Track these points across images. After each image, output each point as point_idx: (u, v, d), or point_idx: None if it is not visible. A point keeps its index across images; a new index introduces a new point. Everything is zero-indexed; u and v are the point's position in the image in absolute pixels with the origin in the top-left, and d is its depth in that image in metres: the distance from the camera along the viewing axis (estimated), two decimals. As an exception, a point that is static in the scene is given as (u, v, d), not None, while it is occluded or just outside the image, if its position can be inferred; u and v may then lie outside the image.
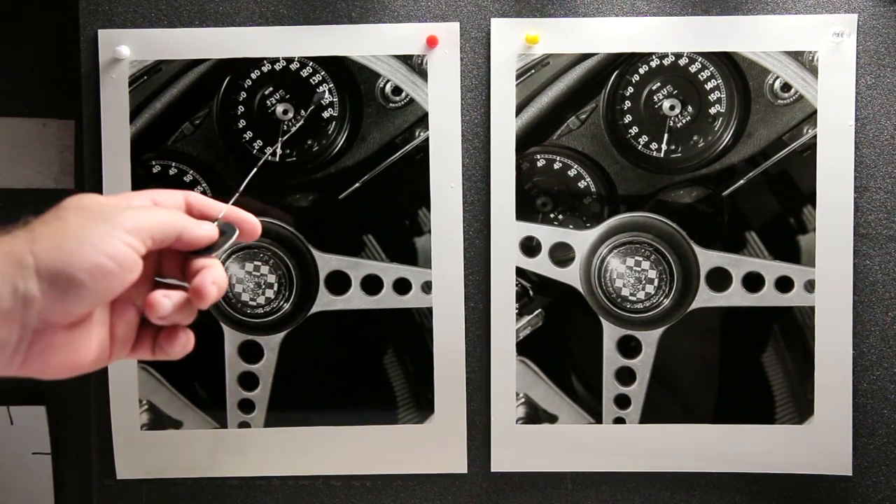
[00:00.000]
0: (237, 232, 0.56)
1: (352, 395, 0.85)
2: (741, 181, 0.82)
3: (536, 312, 0.84)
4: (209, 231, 0.55)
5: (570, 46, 0.82)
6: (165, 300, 0.52)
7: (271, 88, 0.83)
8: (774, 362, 0.83)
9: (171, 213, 0.53)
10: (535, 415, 0.84)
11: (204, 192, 0.83)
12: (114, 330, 0.53)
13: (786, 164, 0.82)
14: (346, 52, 0.83)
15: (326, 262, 0.84)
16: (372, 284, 0.84)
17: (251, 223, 0.57)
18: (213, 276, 0.53)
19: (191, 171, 0.83)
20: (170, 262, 0.56)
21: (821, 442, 0.83)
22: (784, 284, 0.83)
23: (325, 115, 0.83)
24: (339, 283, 0.84)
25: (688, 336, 0.83)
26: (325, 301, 0.84)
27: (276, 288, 0.84)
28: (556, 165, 0.83)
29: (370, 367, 0.84)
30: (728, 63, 0.82)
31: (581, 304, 0.83)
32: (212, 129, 0.83)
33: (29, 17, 0.91)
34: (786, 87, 0.82)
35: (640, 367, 0.84)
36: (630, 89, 0.82)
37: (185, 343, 0.55)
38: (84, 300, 0.48)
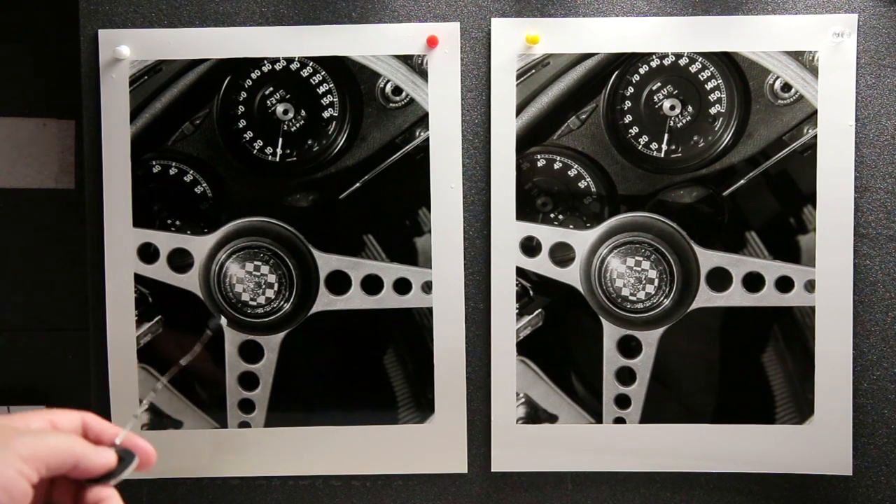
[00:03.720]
0: (136, 459, 0.54)
1: (352, 395, 0.85)
2: (741, 181, 0.82)
3: (536, 312, 0.84)
4: (108, 459, 0.52)
5: (570, 46, 0.82)
6: None
7: (271, 88, 0.83)
8: (774, 362, 0.83)
9: (68, 438, 0.50)
10: (535, 415, 0.84)
11: (204, 193, 0.83)
12: None
13: (786, 164, 0.82)
14: (347, 52, 0.83)
15: (327, 262, 0.84)
16: (372, 284, 0.84)
17: (147, 452, 0.55)
18: None
19: (191, 171, 0.83)
20: (60, 488, 0.53)
21: (821, 442, 0.83)
22: (784, 284, 0.83)
23: (326, 115, 0.83)
24: (339, 283, 0.84)
25: (688, 336, 0.83)
26: (325, 301, 0.84)
27: (276, 288, 0.84)
28: (557, 165, 0.83)
29: (370, 367, 0.84)
30: (728, 63, 0.82)
31: (581, 304, 0.83)
32: (212, 129, 0.83)
33: (29, 17, 0.91)
34: (786, 87, 0.82)
35: (641, 367, 0.84)
36: (630, 89, 0.82)
37: None
38: None
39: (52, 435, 0.51)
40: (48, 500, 0.53)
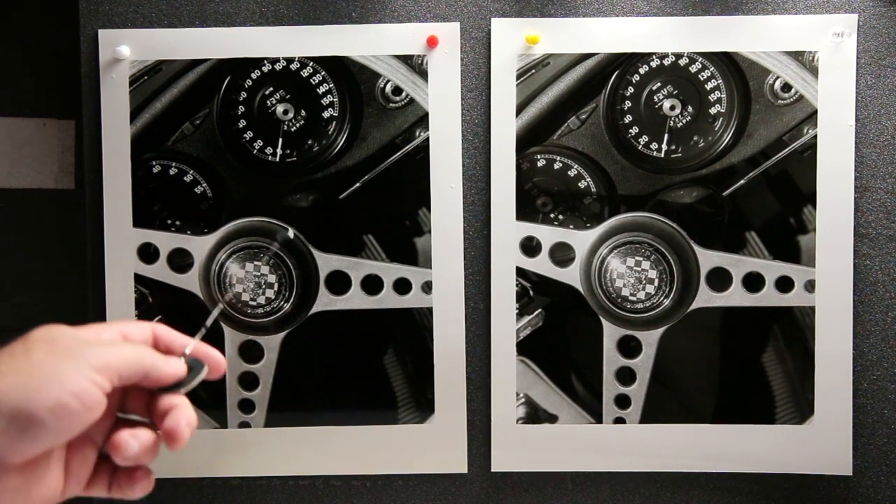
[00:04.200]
0: (205, 369, 0.54)
1: (352, 395, 0.85)
2: (741, 181, 0.82)
3: (536, 312, 0.84)
4: (178, 369, 0.53)
5: (570, 46, 0.82)
6: (132, 441, 0.50)
7: (271, 88, 0.83)
8: (774, 362, 0.83)
9: (139, 349, 0.51)
10: (535, 415, 0.84)
11: (204, 193, 0.83)
12: (69, 467, 0.51)
13: (786, 164, 0.82)
14: (347, 52, 0.83)
15: (327, 262, 0.84)
16: (372, 284, 0.84)
17: (217, 360, 0.55)
18: (186, 417, 0.51)
19: (191, 171, 0.83)
20: (133, 397, 0.54)
21: (821, 442, 0.83)
22: (784, 284, 0.83)
23: (326, 115, 0.83)
24: (339, 283, 0.84)
25: (688, 336, 0.83)
26: (325, 301, 0.84)
27: (276, 288, 0.84)
28: (557, 165, 0.83)
29: (370, 367, 0.84)
30: (728, 63, 0.82)
31: (581, 304, 0.83)
32: (212, 129, 0.83)
33: (29, 17, 0.91)
34: (786, 87, 0.82)
35: (641, 367, 0.84)
36: (630, 89, 0.82)
37: (146, 485, 0.53)
38: (43, 440, 0.46)
39: (124, 345, 0.51)
40: (122, 408, 0.54)
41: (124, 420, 0.53)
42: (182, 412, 0.52)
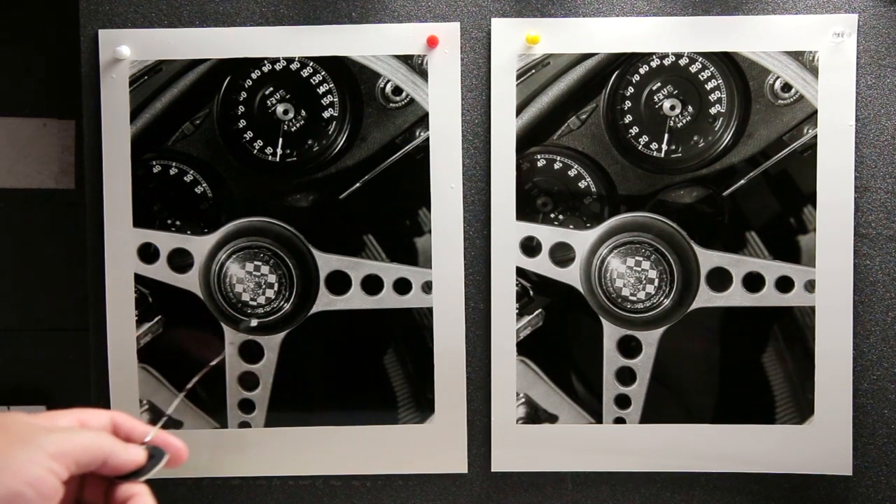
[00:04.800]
0: (167, 456, 0.54)
1: (352, 395, 0.85)
2: (741, 181, 0.82)
3: (537, 312, 0.84)
4: (137, 456, 0.52)
5: (570, 46, 0.82)
6: None
7: (271, 88, 0.83)
8: (774, 362, 0.83)
9: (97, 435, 0.51)
10: (535, 415, 0.84)
11: (204, 193, 0.83)
12: None
13: (786, 164, 0.82)
14: (347, 52, 0.83)
15: (327, 262, 0.84)
16: (372, 284, 0.84)
17: (178, 448, 0.55)
18: None
19: (191, 171, 0.83)
20: (91, 485, 0.53)
21: (821, 442, 0.83)
22: (784, 284, 0.83)
23: (326, 115, 0.83)
24: (339, 283, 0.84)
25: (688, 336, 0.83)
26: (325, 301, 0.84)
27: (276, 288, 0.84)
28: (557, 165, 0.83)
29: (370, 367, 0.84)
30: (728, 63, 0.82)
31: (581, 304, 0.83)
32: (212, 129, 0.83)
33: (29, 17, 0.91)
34: (786, 87, 0.82)
35: (641, 367, 0.84)
36: (630, 89, 0.82)
37: None
38: None
39: (81, 432, 0.50)
40: (79, 497, 0.53)
41: None
42: (142, 501, 0.51)
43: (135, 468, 0.52)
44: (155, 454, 0.54)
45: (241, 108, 0.83)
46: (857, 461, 0.84)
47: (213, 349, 0.84)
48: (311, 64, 0.83)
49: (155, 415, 0.84)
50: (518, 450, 0.84)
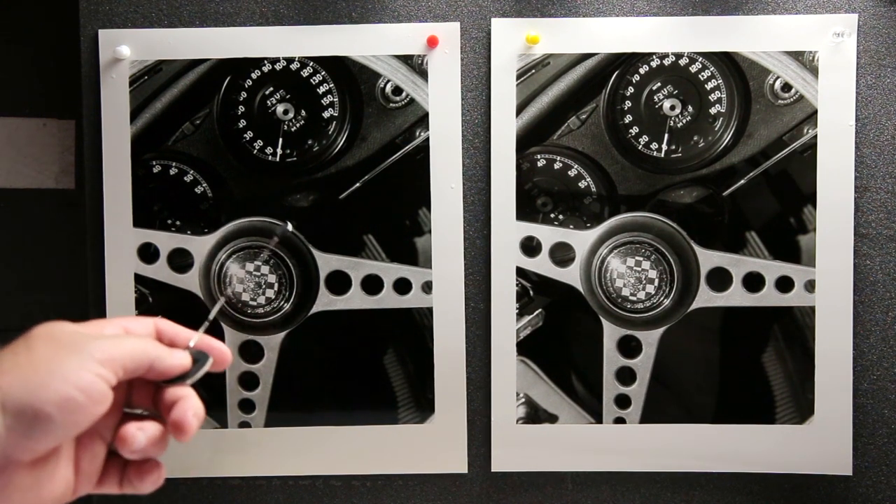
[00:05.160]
0: (210, 360, 0.54)
1: (352, 395, 0.85)
2: (741, 181, 0.82)
3: (537, 312, 0.84)
4: (183, 360, 0.53)
5: (570, 46, 0.82)
6: (139, 434, 0.50)
7: (271, 88, 0.83)
8: (774, 362, 0.83)
9: (143, 341, 0.51)
10: (535, 415, 0.84)
11: (204, 193, 0.83)
12: (79, 464, 0.51)
13: (786, 164, 0.82)
14: (347, 52, 0.83)
15: (327, 262, 0.84)
16: (372, 284, 0.84)
17: (222, 352, 0.56)
18: (193, 408, 0.51)
19: (191, 171, 0.83)
20: (139, 391, 0.53)
21: (821, 442, 0.83)
22: (784, 284, 0.83)
23: (326, 115, 0.83)
24: (339, 283, 0.84)
25: (688, 336, 0.83)
26: (325, 301, 0.84)
27: (276, 288, 0.84)
28: (557, 165, 0.83)
29: (370, 367, 0.84)
30: (728, 63, 0.82)
31: (581, 304, 0.83)
32: (212, 129, 0.83)
33: (29, 17, 0.91)
34: (786, 87, 0.82)
35: (641, 367, 0.84)
36: (630, 89, 0.82)
37: (156, 478, 0.53)
38: (51, 435, 0.46)
39: (127, 338, 0.51)
40: (128, 402, 0.53)
41: (131, 414, 0.53)
42: (189, 403, 0.52)
43: (180, 372, 0.53)
44: (199, 358, 0.54)
45: (241, 108, 0.83)
46: (857, 461, 0.84)
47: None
48: (311, 64, 0.83)
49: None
50: (518, 450, 0.84)
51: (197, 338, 0.55)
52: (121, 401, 0.53)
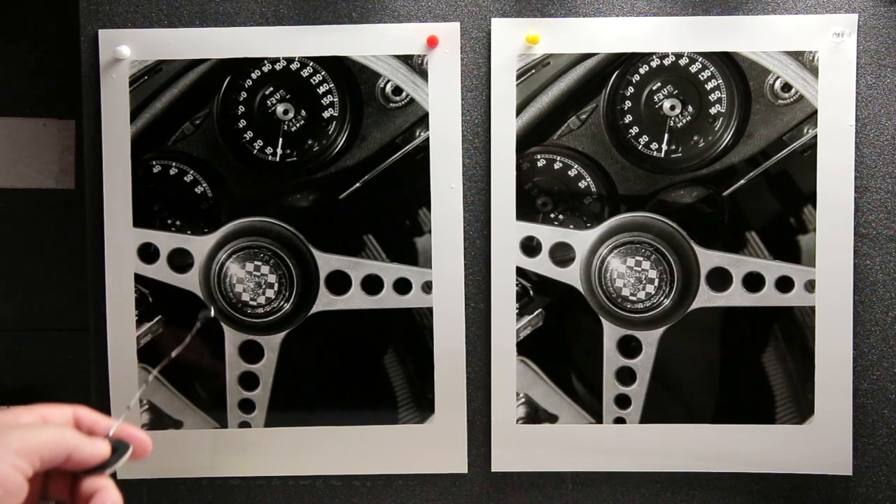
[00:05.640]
0: (130, 449, 0.54)
1: (352, 395, 0.85)
2: (741, 181, 0.82)
3: (537, 312, 0.84)
4: (102, 449, 0.52)
5: (570, 46, 0.82)
6: None
7: (272, 88, 0.83)
8: (774, 362, 0.83)
9: (61, 430, 0.51)
10: (535, 415, 0.84)
11: (204, 193, 0.83)
12: None
13: (786, 164, 0.82)
14: (347, 52, 0.83)
15: (327, 262, 0.84)
16: (372, 284, 0.84)
17: (142, 440, 0.55)
18: (111, 500, 0.51)
19: (191, 171, 0.83)
20: (56, 481, 0.52)
21: (821, 442, 0.83)
22: (784, 284, 0.83)
23: (326, 115, 0.83)
24: (339, 283, 0.84)
25: (688, 336, 0.83)
26: (325, 301, 0.84)
27: (276, 288, 0.84)
28: (557, 165, 0.83)
29: (370, 367, 0.84)
30: (728, 63, 0.82)
31: (581, 304, 0.83)
32: (212, 129, 0.83)
33: (29, 17, 0.91)
34: (786, 87, 0.82)
35: (641, 367, 0.84)
36: (630, 89, 0.82)
37: None
38: None
39: (44, 428, 0.50)
40: (44, 493, 0.52)
41: None
42: (107, 495, 0.51)
43: (99, 462, 0.52)
44: (119, 447, 0.54)
45: (241, 108, 0.83)
46: (857, 461, 0.84)
47: (213, 349, 0.84)
48: (311, 64, 0.83)
49: (156, 414, 0.84)
50: (518, 450, 0.84)
51: (116, 426, 0.55)
52: (36, 492, 0.52)
